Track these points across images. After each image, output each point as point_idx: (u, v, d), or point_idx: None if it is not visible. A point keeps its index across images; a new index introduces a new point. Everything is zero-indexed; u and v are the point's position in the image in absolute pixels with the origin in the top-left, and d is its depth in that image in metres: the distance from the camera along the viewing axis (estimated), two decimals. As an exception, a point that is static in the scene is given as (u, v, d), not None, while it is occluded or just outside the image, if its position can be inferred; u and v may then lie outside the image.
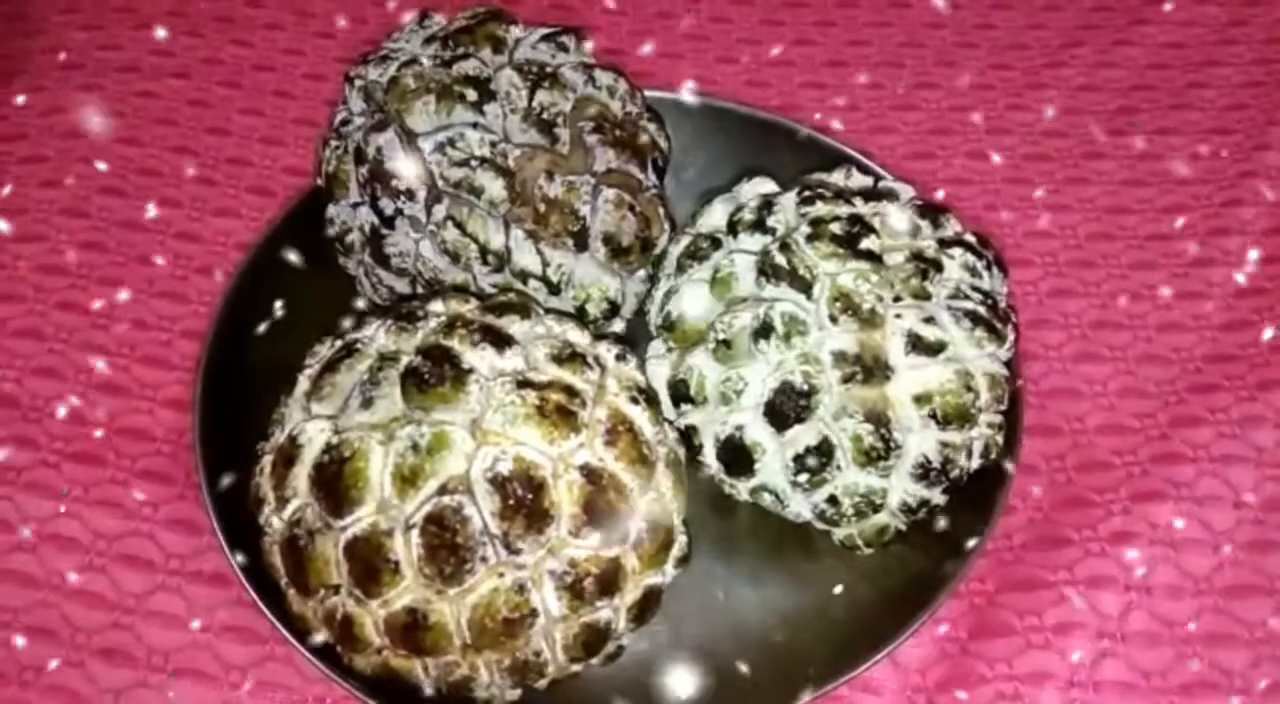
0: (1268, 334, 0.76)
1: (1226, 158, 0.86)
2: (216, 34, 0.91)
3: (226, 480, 0.61)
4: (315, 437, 0.52)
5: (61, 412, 0.71)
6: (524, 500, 0.49)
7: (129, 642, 0.63)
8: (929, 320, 0.57)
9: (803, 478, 0.58)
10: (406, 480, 0.49)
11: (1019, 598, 0.65)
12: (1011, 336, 0.59)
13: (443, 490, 0.49)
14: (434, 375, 0.50)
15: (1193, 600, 0.66)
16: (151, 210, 0.81)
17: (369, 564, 0.50)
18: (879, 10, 0.95)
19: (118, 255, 0.79)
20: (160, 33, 0.91)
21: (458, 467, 0.49)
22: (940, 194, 0.83)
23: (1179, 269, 0.80)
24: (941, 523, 0.62)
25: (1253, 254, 0.80)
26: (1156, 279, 0.79)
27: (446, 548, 0.49)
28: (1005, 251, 0.65)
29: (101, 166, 0.83)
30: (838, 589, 0.64)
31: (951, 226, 0.62)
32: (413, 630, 0.50)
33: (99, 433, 0.71)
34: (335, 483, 0.50)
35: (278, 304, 0.70)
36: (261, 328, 0.69)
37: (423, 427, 0.50)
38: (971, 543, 0.61)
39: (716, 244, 0.62)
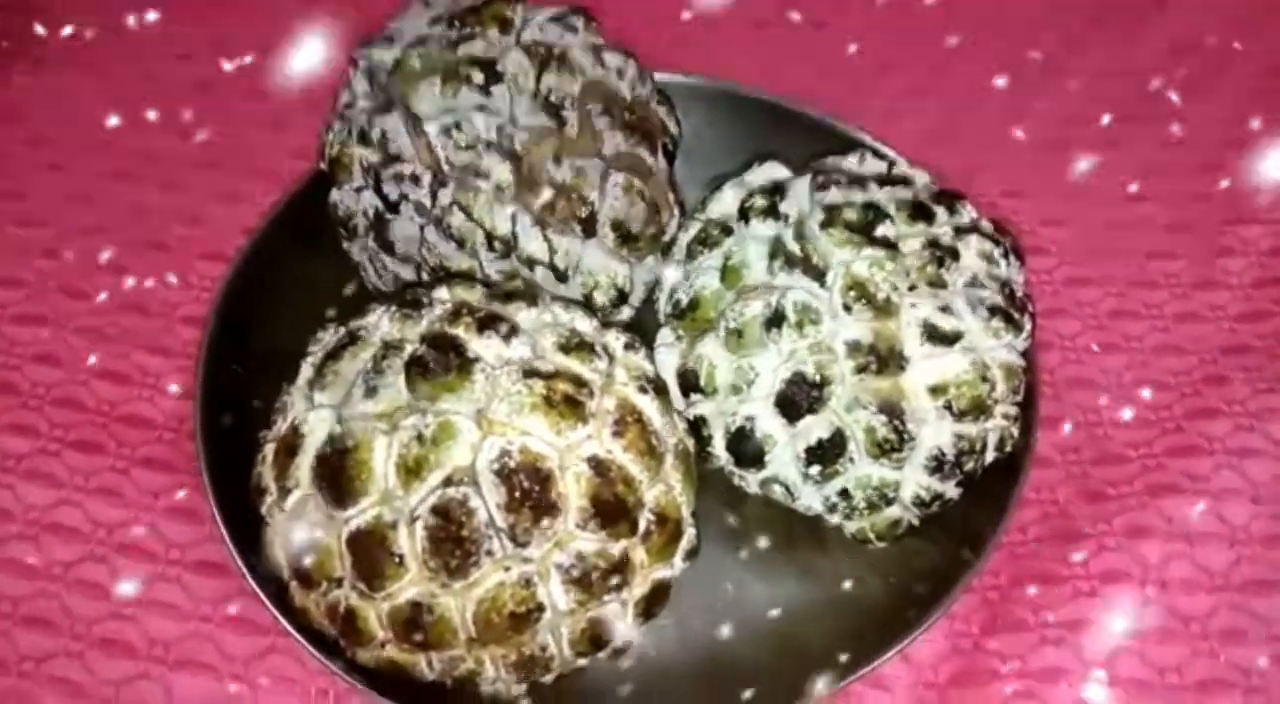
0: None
1: (1246, 144, 0.84)
2: (219, 15, 0.90)
3: (228, 468, 0.60)
4: (318, 426, 0.51)
5: (62, 399, 0.70)
6: (530, 492, 0.48)
7: (129, 632, 0.63)
8: (945, 309, 0.56)
9: (814, 470, 0.57)
10: (411, 471, 0.48)
11: (1033, 593, 0.64)
12: (1028, 326, 0.58)
13: (448, 482, 0.48)
14: (439, 364, 0.49)
15: (1209, 596, 0.64)
16: (154, 194, 0.80)
17: (372, 557, 0.49)
18: (891, -6, 0.94)
19: (120, 240, 0.78)
20: (161, 14, 0.89)
21: (463, 457, 0.48)
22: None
23: (1196, 258, 0.78)
24: (955, 516, 0.60)
25: (1271, 243, 0.79)
26: (1174, 268, 0.78)
27: (451, 541, 0.48)
28: (1020, 239, 0.64)
29: (104, 150, 0.82)
30: (848, 583, 0.63)
31: (967, 214, 0.60)
32: (417, 624, 0.49)
33: (100, 420, 0.70)
34: (338, 474, 0.49)
35: (281, 290, 0.68)
36: (264, 314, 0.68)
37: (427, 416, 0.49)
38: (986, 537, 0.60)
39: (727, 231, 0.61)
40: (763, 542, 0.65)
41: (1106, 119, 0.86)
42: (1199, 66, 0.89)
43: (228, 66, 0.87)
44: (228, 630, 0.63)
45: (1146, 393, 0.72)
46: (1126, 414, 0.71)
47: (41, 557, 0.65)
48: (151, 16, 0.89)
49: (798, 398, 0.56)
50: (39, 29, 0.88)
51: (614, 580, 0.51)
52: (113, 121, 0.83)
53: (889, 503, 0.58)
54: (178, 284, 0.76)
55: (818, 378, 0.55)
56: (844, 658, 0.58)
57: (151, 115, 0.84)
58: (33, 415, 0.70)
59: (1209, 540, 0.66)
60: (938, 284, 0.56)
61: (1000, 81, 0.88)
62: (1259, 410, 0.71)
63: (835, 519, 0.60)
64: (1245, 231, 0.79)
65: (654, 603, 0.54)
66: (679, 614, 0.60)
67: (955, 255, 0.57)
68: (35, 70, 0.86)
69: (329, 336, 0.55)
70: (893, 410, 0.55)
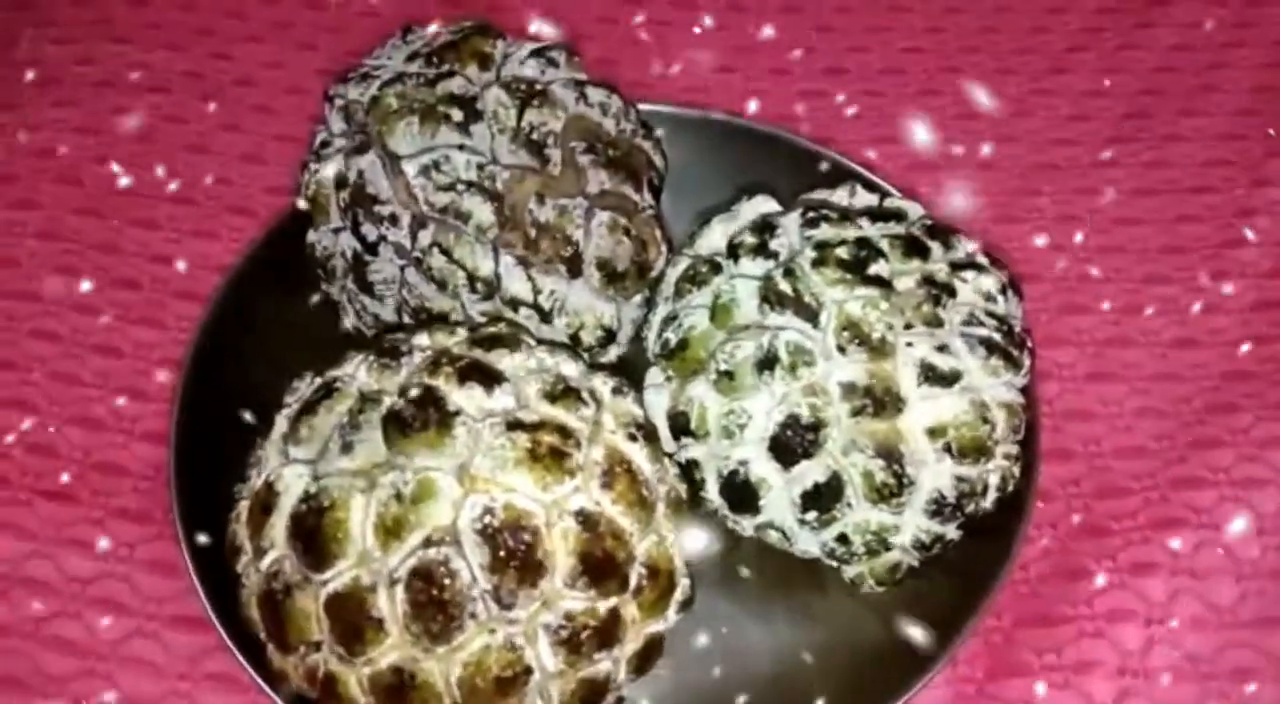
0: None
1: (1238, 164, 0.82)
2: (194, 47, 0.88)
3: (205, 521, 0.57)
4: (293, 483, 0.49)
5: (33, 445, 0.68)
6: (515, 552, 0.46)
7: (104, 691, 0.60)
8: (942, 348, 0.54)
9: (811, 516, 0.55)
10: (389, 532, 0.46)
11: (1037, 634, 0.62)
12: (1028, 363, 0.57)
13: (428, 542, 0.46)
14: (417, 418, 0.47)
15: (1216, 633, 0.63)
16: (128, 232, 0.78)
17: (351, 621, 0.47)
18: (877, 14, 0.92)
19: (92, 280, 0.75)
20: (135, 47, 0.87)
21: (444, 516, 0.46)
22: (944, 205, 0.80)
23: (1193, 281, 0.77)
24: (957, 557, 0.59)
25: (1270, 265, 0.77)
26: (1170, 292, 0.76)
27: (433, 604, 0.46)
28: (1013, 266, 0.62)
29: (76, 187, 0.80)
30: (847, 627, 0.61)
31: (963, 248, 0.59)
32: (399, 691, 0.47)
33: (72, 468, 0.67)
34: (314, 534, 0.47)
35: (258, 331, 0.66)
36: (241, 356, 0.66)
37: (406, 473, 0.47)
38: (989, 579, 0.58)
39: (716, 268, 0.59)
40: (759, 584, 0.63)
41: (1098, 140, 0.84)
42: (1186, 84, 0.87)
43: (201, 100, 0.85)
44: (207, 688, 0.60)
45: (1147, 422, 0.70)
46: (1127, 445, 0.70)
47: (12, 612, 0.63)
48: (123, 49, 0.87)
49: (792, 442, 0.54)
50: (10, 63, 0.86)
51: (605, 639, 0.49)
52: (83, 157, 0.81)
53: (888, 547, 0.56)
54: (153, 325, 0.73)
55: (812, 421, 0.53)
56: (846, 705, 0.56)
57: (123, 150, 0.81)
58: (2, 464, 0.67)
59: (1215, 576, 0.64)
60: (934, 322, 0.54)
61: (988, 103, 0.87)
62: (1263, 439, 0.69)
63: (833, 563, 0.58)
64: (1242, 253, 0.78)
65: (647, 658, 0.53)
66: (675, 661, 0.58)
67: (951, 292, 0.55)
68: (4, 105, 0.84)
69: (304, 387, 0.53)
70: (891, 454, 0.53)
